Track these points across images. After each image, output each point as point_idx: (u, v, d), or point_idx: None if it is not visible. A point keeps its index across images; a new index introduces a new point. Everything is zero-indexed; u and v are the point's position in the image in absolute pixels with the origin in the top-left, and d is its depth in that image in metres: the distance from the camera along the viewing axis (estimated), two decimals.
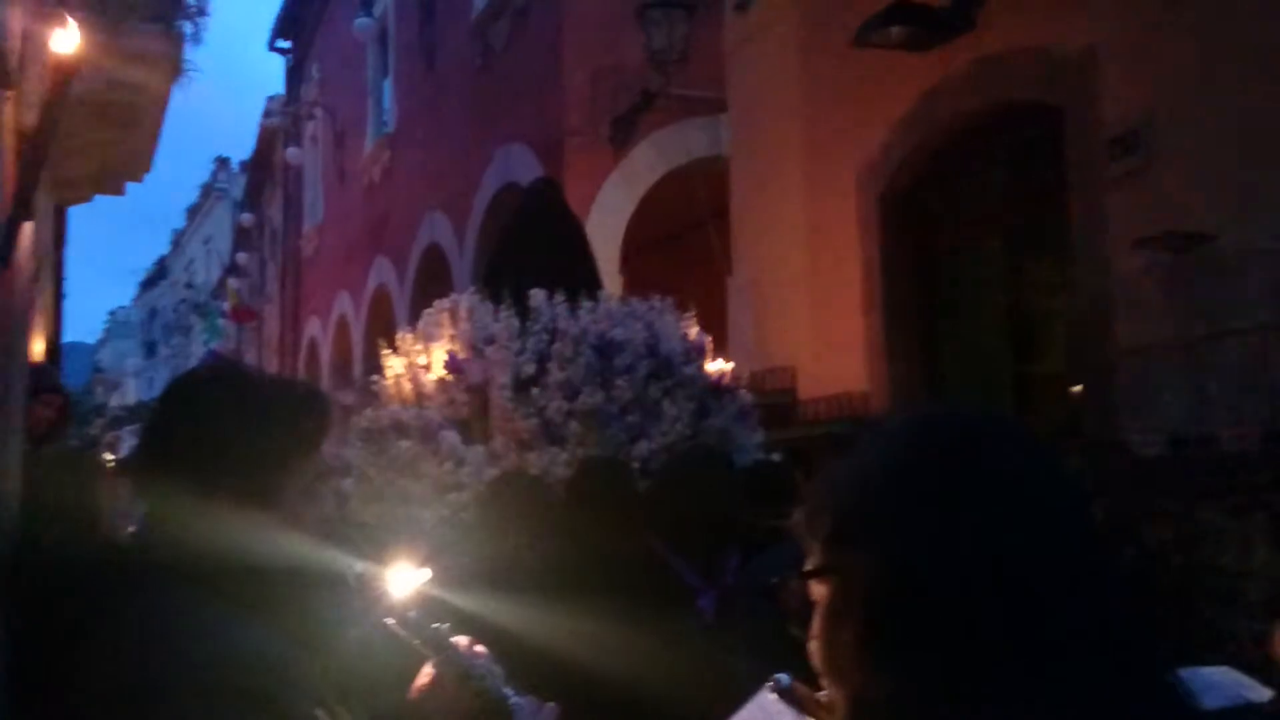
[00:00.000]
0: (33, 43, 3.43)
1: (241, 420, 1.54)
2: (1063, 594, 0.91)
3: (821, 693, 1.04)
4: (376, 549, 2.09)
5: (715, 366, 5.67)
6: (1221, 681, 2.32)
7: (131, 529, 1.75)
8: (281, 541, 1.49)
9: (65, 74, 2.92)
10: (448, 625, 1.69)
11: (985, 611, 0.89)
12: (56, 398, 5.63)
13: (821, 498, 1.02)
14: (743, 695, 1.68)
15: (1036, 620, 0.89)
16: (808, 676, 1.13)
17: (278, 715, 1.36)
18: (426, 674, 1.71)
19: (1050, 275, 5.91)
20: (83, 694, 1.39)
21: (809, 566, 1.01)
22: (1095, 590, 0.93)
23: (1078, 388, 5.48)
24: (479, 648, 1.71)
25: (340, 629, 1.68)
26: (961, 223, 6.54)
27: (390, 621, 1.65)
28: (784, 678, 1.35)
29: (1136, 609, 0.97)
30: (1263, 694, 2.29)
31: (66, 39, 2.87)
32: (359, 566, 1.66)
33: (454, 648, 1.67)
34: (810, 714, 1.12)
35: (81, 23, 3.18)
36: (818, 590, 1.00)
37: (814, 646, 1.00)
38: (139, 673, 1.35)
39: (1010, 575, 0.90)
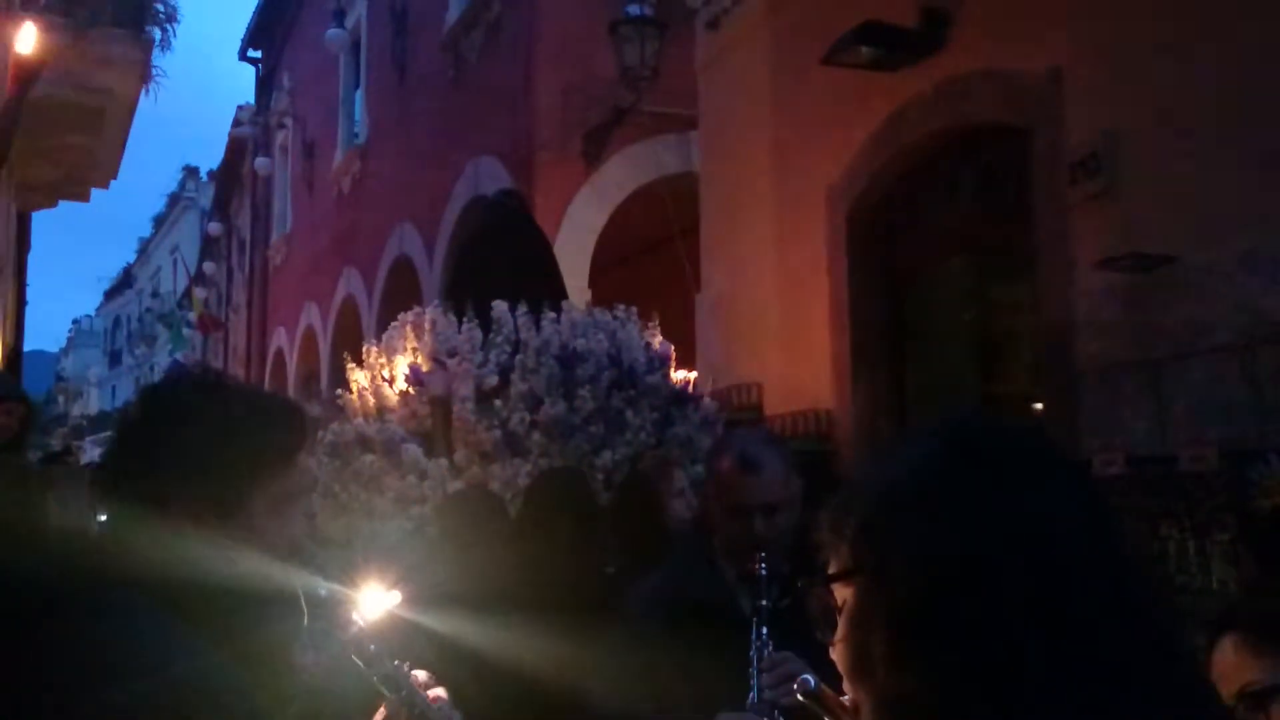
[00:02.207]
0: None
1: (207, 429, 1.48)
2: (1095, 594, 0.91)
3: (845, 696, 1.04)
4: (344, 570, 2.05)
5: (679, 375, 5.67)
6: None
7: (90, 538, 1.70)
8: (237, 557, 1.43)
9: (27, 74, 2.89)
10: (407, 664, 1.65)
11: (1017, 611, 0.89)
12: (18, 406, 5.56)
13: (847, 500, 1.02)
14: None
15: (1069, 620, 0.89)
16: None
17: None
18: (384, 711, 1.67)
19: (1015, 296, 5.96)
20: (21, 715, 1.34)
21: (834, 569, 1.01)
22: (1127, 591, 0.94)
23: (1039, 406, 5.51)
24: (438, 691, 1.66)
25: (301, 651, 1.63)
26: (928, 243, 6.58)
27: (350, 654, 1.61)
28: (810, 679, 1.34)
29: (1165, 611, 0.97)
30: None
31: (28, 39, 2.84)
32: (325, 589, 1.62)
33: (411, 687, 1.62)
34: (834, 717, 1.11)
35: (47, 25, 3.15)
36: (842, 593, 1.00)
37: (839, 649, 1.00)
38: (76, 696, 1.31)
39: (1042, 575, 0.90)
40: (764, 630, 2.20)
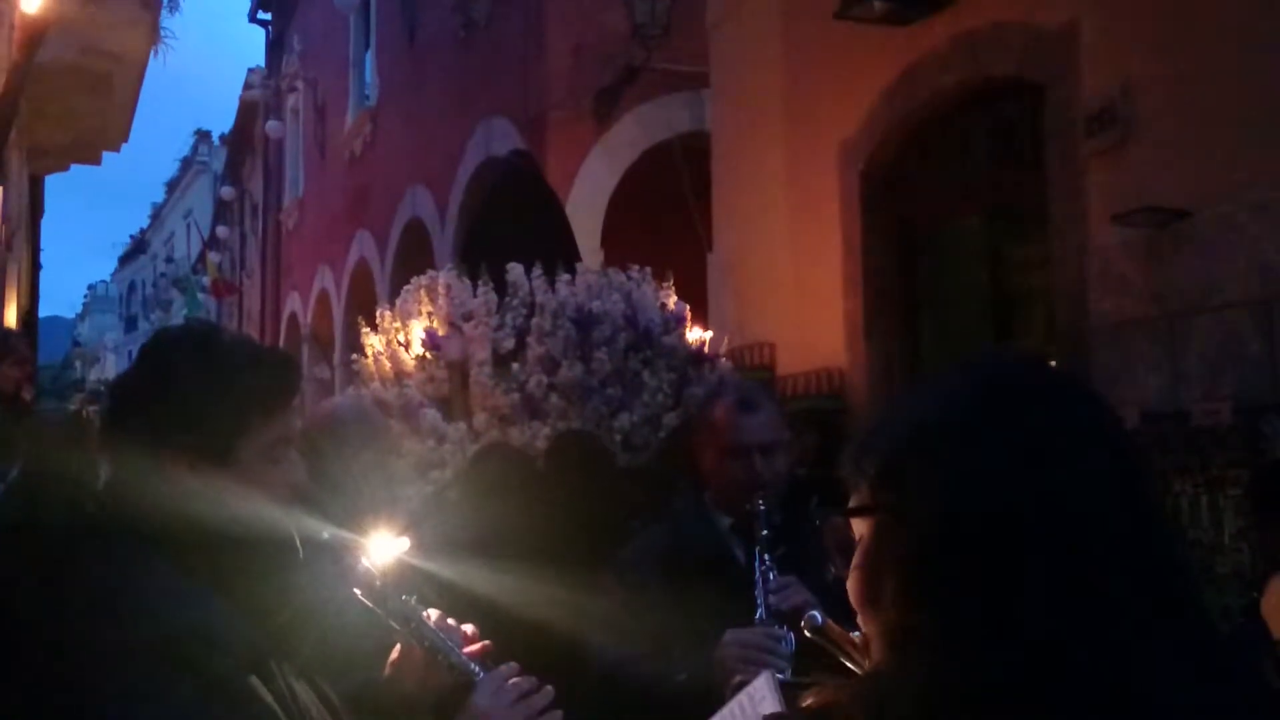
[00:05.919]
0: None
1: (198, 377, 1.50)
2: (1109, 536, 0.90)
3: (855, 634, 1.04)
4: (351, 516, 2.07)
5: (695, 336, 5.67)
6: None
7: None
8: (233, 503, 1.45)
9: (33, 34, 2.88)
10: (415, 598, 1.66)
11: (1030, 551, 0.89)
12: (27, 364, 5.62)
13: (870, 438, 1.01)
14: None
15: (1081, 561, 0.89)
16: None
17: (206, 685, 1.33)
18: (399, 649, 1.69)
19: (1029, 252, 5.93)
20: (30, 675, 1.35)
21: (853, 504, 1.01)
22: (1142, 533, 0.93)
23: (1052, 363, 5.50)
24: (450, 621, 1.68)
25: (302, 595, 1.64)
26: (942, 199, 6.54)
27: (357, 592, 1.63)
28: (817, 615, 1.36)
29: (1181, 555, 0.96)
30: None
31: None
32: (328, 533, 1.63)
33: (421, 620, 1.64)
34: (843, 653, 1.13)
35: None
36: (860, 528, 1.00)
37: (853, 581, 1.00)
38: (81, 640, 1.33)
39: (1057, 516, 0.90)
40: (766, 556, 2.26)
